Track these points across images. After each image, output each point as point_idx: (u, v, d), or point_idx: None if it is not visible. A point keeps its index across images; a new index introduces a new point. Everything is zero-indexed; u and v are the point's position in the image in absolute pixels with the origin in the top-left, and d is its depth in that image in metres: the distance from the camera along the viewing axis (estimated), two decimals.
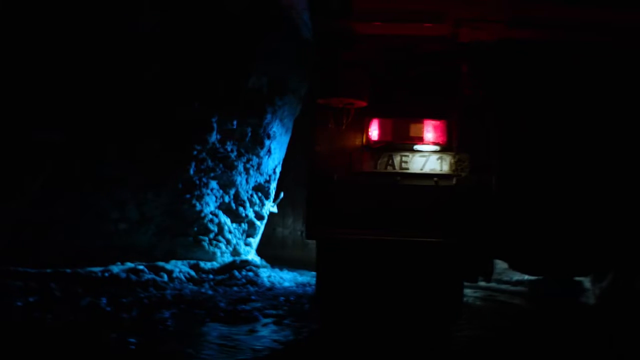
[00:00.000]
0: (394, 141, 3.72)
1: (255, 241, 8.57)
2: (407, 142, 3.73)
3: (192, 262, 7.41)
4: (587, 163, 3.62)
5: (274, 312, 5.04)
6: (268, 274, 7.30)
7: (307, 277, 7.72)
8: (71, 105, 6.79)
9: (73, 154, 6.94)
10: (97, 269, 6.62)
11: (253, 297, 5.75)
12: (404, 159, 3.75)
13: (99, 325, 4.29)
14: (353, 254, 3.78)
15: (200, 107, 7.34)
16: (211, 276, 7.00)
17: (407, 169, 3.74)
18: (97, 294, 5.39)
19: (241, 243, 8.27)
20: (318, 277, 4.03)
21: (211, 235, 7.89)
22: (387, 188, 3.72)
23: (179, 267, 7.06)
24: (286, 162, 8.77)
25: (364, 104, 3.67)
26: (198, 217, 7.83)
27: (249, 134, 7.94)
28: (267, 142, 8.14)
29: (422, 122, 3.73)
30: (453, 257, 3.73)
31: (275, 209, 8.89)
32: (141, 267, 6.76)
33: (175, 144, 7.38)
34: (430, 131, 3.72)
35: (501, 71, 3.68)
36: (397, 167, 3.75)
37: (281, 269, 8.07)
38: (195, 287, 6.36)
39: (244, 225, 8.29)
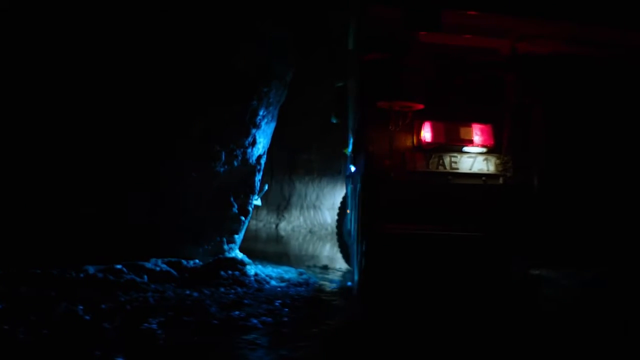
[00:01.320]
0: (446, 143, 4.02)
1: (239, 237, 8.14)
2: (458, 144, 4.03)
3: (173, 259, 6.93)
4: (623, 168, 3.99)
5: (271, 319, 4.61)
6: (254, 272, 7.04)
7: (292, 274, 7.74)
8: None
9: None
10: (70, 269, 5.98)
11: (246, 301, 5.31)
12: (453, 159, 4.07)
13: (79, 340, 3.79)
14: (409, 248, 4.03)
15: (180, 92, 6.81)
16: (195, 276, 6.55)
17: (457, 168, 4.05)
18: (73, 298, 4.84)
19: (225, 239, 7.81)
20: (366, 270, 4.26)
21: (193, 231, 7.41)
22: (441, 186, 4.02)
23: (160, 266, 6.61)
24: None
25: (421, 107, 3.95)
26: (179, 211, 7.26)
27: (233, 122, 7.29)
28: (252, 131, 7.58)
29: (470, 126, 4.04)
30: (500, 250, 4.04)
31: (259, 202, 8.64)
32: (119, 266, 6.23)
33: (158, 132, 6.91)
34: (478, 134, 4.03)
35: (546, 81, 4.02)
36: (447, 167, 4.06)
37: (262, 265, 8.05)
38: (179, 289, 5.83)
39: (228, 221, 7.75)
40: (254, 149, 7.76)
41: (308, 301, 5.56)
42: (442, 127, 4.04)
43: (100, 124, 6.68)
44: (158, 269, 6.50)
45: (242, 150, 7.55)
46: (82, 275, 5.91)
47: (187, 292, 5.68)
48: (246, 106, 7.31)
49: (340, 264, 9.56)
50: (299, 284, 6.76)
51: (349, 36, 8.93)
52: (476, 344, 3.79)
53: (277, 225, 11.22)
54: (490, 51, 3.96)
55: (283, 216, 11.16)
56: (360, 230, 4.25)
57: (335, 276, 8.19)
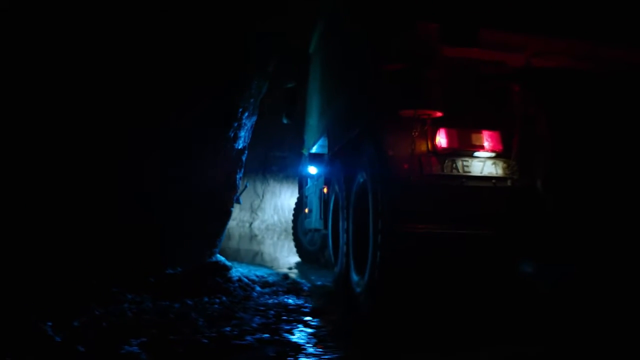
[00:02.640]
0: (460, 148, 4.34)
1: (221, 240, 7.69)
2: (470, 149, 4.36)
3: (150, 266, 6.10)
4: (620, 173, 4.41)
5: (269, 336, 4.19)
6: (237, 277, 6.78)
7: (275, 277, 7.78)
8: None
9: None
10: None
11: (238, 314, 4.90)
12: (464, 163, 4.39)
13: None
14: (426, 246, 4.33)
15: (158, 85, 6.06)
16: (176, 284, 5.97)
17: (470, 172, 4.38)
18: (41, 313, 4.15)
19: (206, 243, 7.26)
20: (384, 268, 4.53)
21: (171, 234, 6.56)
22: (455, 188, 4.33)
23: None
24: None
25: (440, 114, 4.25)
26: None
27: (213, 115, 6.63)
28: (234, 124, 7.08)
29: (481, 132, 4.38)
30: (510, 248, 4.38)
31: (240, 201, 8.43)
32: None
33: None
34: (488, 140, 4.37)
35: (550, 92, 4.38)
36: (460, 170, 4.38)
37: (238, 265, 8.07)
38: (159, 300, 5.28)
39: (210, 223, 7.20)
40: (235, 144, 7.26)
41: (303, 311, 5.32)
42: (455, 133, 4.36)
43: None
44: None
45: (223, 145, 6.98)
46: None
47: (167, 302, 5.18)
48: (227, 97, 6.73)
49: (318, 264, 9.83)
50: (288, 291, 6.54)
51: (312, 40, 9.11)
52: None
53: (250, 224, 11.27)
54: (500, 64, 4.28)
55: (257, 215, 11.23)
56: (381, 230, 4.50)
57: (317, 275, 8.34)
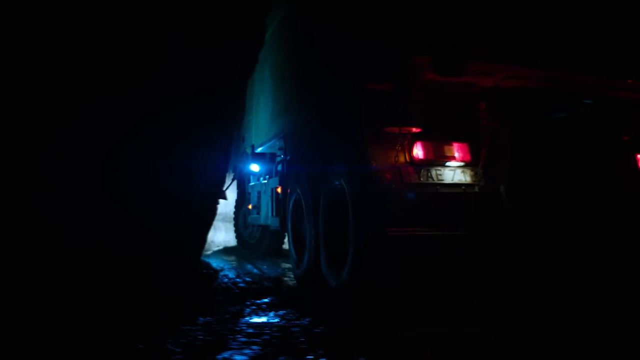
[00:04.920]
0: (434, 159, 4.88)
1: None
2: (443, 160, 4.91)
3: None
4: (572, 179, 5.08)
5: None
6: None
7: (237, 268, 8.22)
8: None
9: None
10: None
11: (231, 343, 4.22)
12: (438, 172, 4.94)
13: None
14: (406, 248, 4.85)
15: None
16: None
17: (442, 180, 4.93)
18: None
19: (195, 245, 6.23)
20: (365, 268, 5.03)
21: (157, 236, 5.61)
22: (431, 195, 4.87)
23: None
24: None
25: (419, 130, 4.77)
26: None
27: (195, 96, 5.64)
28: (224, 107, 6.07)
29: (452, 145, 4.94)
30: (479, 245, 4.97)
31: (226, 197, 8.71)
32: None
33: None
34: (458, 151, 4.94)
35: (512, 110, 4.98)
36: (434, 178, 4.92)
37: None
38: None
39: (200, 223, 6.25)
40: (222, 131, 6.27)
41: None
42: (430, 146, 4.91)
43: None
44: None
45: (206, 132, 5.93)
46: None
47: None
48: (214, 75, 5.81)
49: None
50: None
51: (270, 23, 8.87)
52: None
53: None
54: (469, 84, 4.83)
55: None
56: (363, 233, 4.98)
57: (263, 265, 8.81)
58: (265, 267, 8.90)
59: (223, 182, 7.51)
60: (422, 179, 4.89)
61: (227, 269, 8.24)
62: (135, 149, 5.20)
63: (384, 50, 4.59)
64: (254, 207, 10.43)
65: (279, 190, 8.26)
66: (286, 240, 8.16)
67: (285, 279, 7.67)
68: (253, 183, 10.49)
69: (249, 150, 10.27)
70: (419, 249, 4.87)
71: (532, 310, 5.13)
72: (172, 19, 5.46)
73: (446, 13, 4.35)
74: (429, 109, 4.84)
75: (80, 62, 5.05)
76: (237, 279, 6.63)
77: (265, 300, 5.87)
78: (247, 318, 5.00)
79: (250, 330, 4.49)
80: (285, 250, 9.32)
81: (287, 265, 8.65)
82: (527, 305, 5.19)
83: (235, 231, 12.19)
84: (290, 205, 7.52)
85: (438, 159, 4.91)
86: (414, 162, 4.88)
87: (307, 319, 4.83)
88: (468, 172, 5.00)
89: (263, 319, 4.94)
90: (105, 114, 5.02)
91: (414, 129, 4.78)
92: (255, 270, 8.39)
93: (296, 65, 7.22)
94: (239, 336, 4.29)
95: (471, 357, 3.87)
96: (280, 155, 8.23)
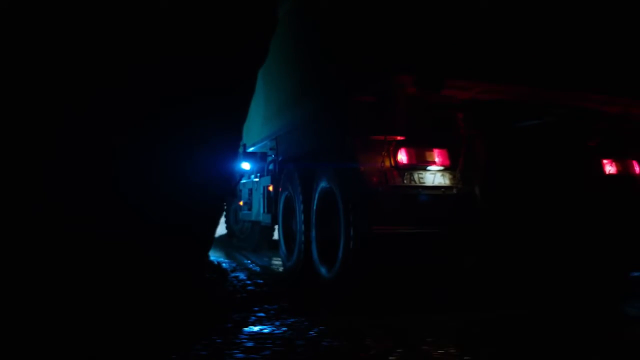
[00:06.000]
0: (417, 163, 5.40)
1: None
2: (424, 164, 5.43)
3: None
4: (541, 182, 5.64)
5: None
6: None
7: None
8: None
9: None
10: None
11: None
12: (420, 175, 5.46)
13: None
14: (392, 242, 5.36)
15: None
16: None
17: (424, 182, 5.45)
18: None
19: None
20: (357, 257, 5.55)
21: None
22: (413, 196, 5.39)
23: None
24: None
25: (403, 138, 5.29)
26: None
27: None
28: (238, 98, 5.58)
29: (433, 150, 5.46)
30: (456, 240, 5.51)
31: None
32: None
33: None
34: (438, 157, 5.46)
35: (486, 119, 5.52)
36: (417, 181, 5.44)
37: None
38: None
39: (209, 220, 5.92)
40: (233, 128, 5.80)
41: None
42: (413, 151, 5.42)
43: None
44: None
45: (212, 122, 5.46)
46: None
47: None
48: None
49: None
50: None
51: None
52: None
53: None
54: (448, 97, 5.34)
55: None
56: (354, 229, 5.49)
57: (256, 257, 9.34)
58: (256, 259, 9.47)
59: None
60: (405, 182, 5.40)
61: (227, 263, 8.65)
62: (139, 144, 5.02)
63: (371, 69, 5.08)
64: (245, 203, 10.95)
65: (270, 188, 8.77)
66: (276, 235, 8.66)
67: (277, 269, 8.20)
68: (244, 181, 10.98)
69: (240, 150, 10.75)
70: (402, 245, 5.39)
71: (500, 299, 5.71)
72: (174, 18, 5.18)
73: (427, 35, 4.85)
74: (411, 119, 5.34)
75: (91, 58, 4.87)
76: (248, 282, 6.88)
77: (274, 306, 5.43)
78: (250, 327, 4.59)
79: (250, 344, 4.06)
80: (274, 244, 9.86)
81: (278, 260, 9.15)
82: (496, 295, 5.76)
83: (227, 227, 12.74)
84: (282, 202, 8.02)
85: (420, 163, 5.42)
86: (398, 166, 5.39)
87: (315, 330, 4.45)
88: (447, 175, 5.52)
89: (267, 329, 4.53)
90: (111, 109, 4.87)
91: (398, 137, 5.29)
92: (246, 261, 8.95)
93: (290, 74, 7.69)
94: (237, 351, 3.87)
95: (443, 339, 4.34)
96: (271, 155, 8.74)
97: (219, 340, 4.15)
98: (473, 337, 4.43)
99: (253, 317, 4.94)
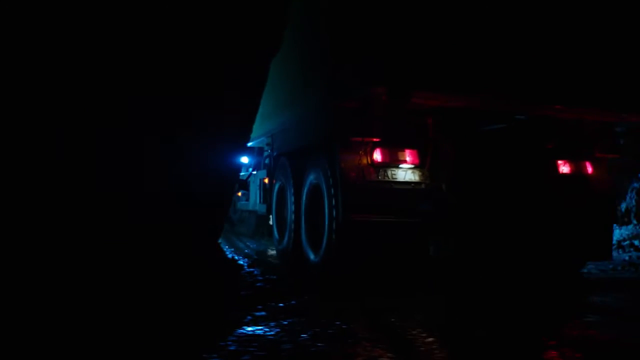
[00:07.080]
0: (390, 162, 6.21)
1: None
2: (397, 163, 6.23)
3: None
4: (502, 179, 6.47)
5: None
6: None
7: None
8: None
9: None
10: None
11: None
12: (393, 172, 6.27)
13: None
14: (368, 231, 6.18)
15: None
16: None
17: (396, 178, 6.26)
18: None
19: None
20: (338, 246, 6.35)
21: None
22: (387, 190, 6.21)
23: None
24: None
25: (378, 140, 6.11)
26: None
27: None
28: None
29: (404, 150, 6.27)
30: (424, 230, 6.33)
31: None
32: None
33: None
34: (409, 156, 6.27)
35: (452, 123, 6.34)
36: (390, 177, 6.25)
37: None
38: None
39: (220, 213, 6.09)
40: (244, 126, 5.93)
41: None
42: (387, 151, 6.23)
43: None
44: None
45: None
46: None
47: None
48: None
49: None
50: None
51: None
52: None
53: None
54: (419, 104, 6.13)
55: None
56: (335, 219, 6.30)
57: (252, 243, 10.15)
58: (254, 245, 10.31)
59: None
60: (380, 177, 6.21)
61: (239, 258, 9.34)
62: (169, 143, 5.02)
63: (353, 80, 5.86)
64: (243, 194, 11.82)
65: (266, 181, 9.64)
66: (270, 222, 9.50)
67: (270, 252, 9.04)
68: (242, 173, 11.81)
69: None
70: (377, 232, 6.21)
71: (467, 284, 6.55)
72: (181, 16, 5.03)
73: (396, 51, 5.59)
74: (387, 123, 6.15)
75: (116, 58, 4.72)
76: (259, 277, 7.03)
77: (280, 305, 5.34)
78: (243, 328, 4.45)
79: (233, 348, 3.90)
80: (269, 231, 10.71)
81: (272, 249, 9.99)
82: (464, 280, 6.60)
83: (226, 215, 13.61)
84: (275, 193, 8.85)
85: (393, 162, 6.23)
86: (374, 164, 6.20)
87: (309, 332, 4.29)
88: (417, 172, 6.33)
89: (259, 331, 4.38)
90: (142, 111, 4.80)
91: (374, 139, 6.10)
92: (241, 245, 9.84)
93: (284, 77, 8.47)
94: (215, 356, 3.70)
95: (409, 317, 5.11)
96: (267, 150, 9.58)
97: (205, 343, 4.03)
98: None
99: (249, 317, 4.82)
